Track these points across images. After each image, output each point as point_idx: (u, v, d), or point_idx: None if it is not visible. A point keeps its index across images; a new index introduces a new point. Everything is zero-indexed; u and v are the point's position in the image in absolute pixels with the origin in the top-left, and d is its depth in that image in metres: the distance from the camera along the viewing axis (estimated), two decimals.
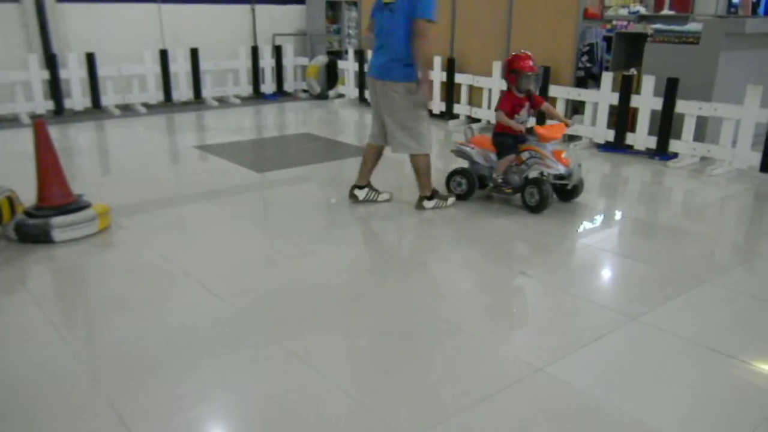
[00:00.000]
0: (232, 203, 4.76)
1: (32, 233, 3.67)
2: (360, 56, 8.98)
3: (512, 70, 4.40)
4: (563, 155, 4.41)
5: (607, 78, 6.27)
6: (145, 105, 8.68)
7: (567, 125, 4.45)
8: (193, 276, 3.38)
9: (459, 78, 7.67)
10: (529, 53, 4.43)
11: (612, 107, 6.27)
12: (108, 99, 8.35)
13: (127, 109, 8.51)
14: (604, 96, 6.31)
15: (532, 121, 5.12)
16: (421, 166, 4.39)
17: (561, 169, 4.37)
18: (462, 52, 7.78)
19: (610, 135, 6.35)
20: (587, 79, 6.86)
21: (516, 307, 3.21)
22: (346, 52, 9.48)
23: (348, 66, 9.31)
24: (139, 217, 4.30)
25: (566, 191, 4.65)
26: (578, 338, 2.78)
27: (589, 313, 3.04)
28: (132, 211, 4.37)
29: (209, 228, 4.19)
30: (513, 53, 4.51)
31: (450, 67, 7.72)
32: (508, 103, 4.43)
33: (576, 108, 6.86)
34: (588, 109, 6.53)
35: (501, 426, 2.20)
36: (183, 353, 2.63)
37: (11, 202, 3.63)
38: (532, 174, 4.49)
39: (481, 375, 2.51)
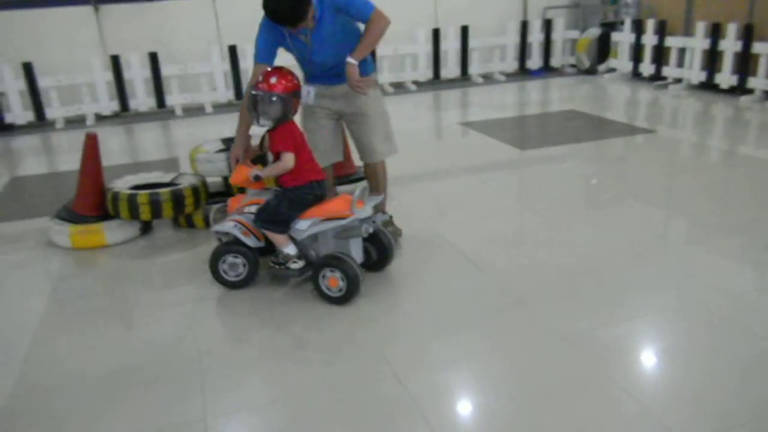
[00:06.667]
0: (493, 179, 4.85)
1: None
2: (638, 26, 8.35)
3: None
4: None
5: None
6: (416, 82, 9.19)
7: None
8: (456, 246, 3.55)
9: (758, 47, 6.69)
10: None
11: None
12: (383, 77, 9.00)
13: (398, 87, 9.10)
14: None
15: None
16: None
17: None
18: (765, 15, 6.75)
19: None
20: None
21: None
22: (622, 22, 8.87)
23: (623, 38, 8.73)
24: (408, 189, 4.62)
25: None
26: None
27: None
28: (402, 182, 4.71)
29: (471, 201, 4.34)
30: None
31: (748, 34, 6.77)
32: None
33: None
34: None
35: None
36: (445, 317, 2.81)
37: None
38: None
39: None
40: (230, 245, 3.10)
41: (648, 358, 2.50)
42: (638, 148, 5.68)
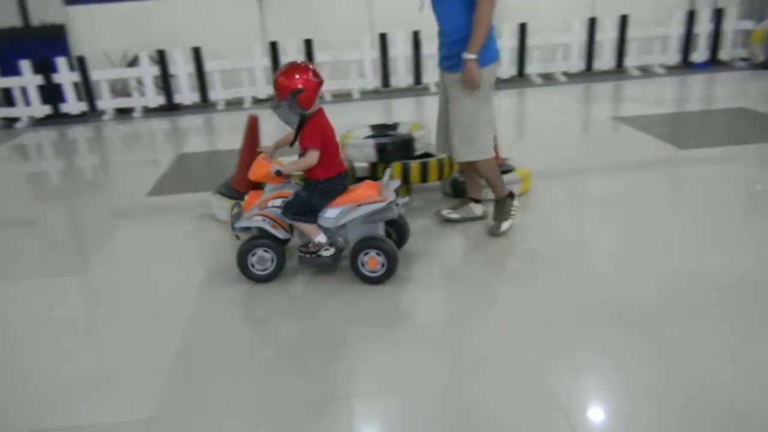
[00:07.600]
0: (645, 178, 4.58)
1: (463, 189, 4.14)
2: None
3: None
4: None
5: None
6: (566, 74, 8.86)
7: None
8: (602, 248, 3.40)
9: None
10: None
11: None
12: (532, 68, 8.78)
13: (547, 78, 8.83)
14: None
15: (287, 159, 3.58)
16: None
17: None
18: None
19: None
20: None
21: None
22: None
23: None
24: (553, 184, 4.47)
25: None
26: None
27: None
28: (547, 176, 4.56)
29: (619, 201, 4.12)
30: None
31: None
32: None
33: None
34: None
35: None
36: (587, 320, 2.71)
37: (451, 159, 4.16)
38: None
39: None
40: (256, 240, 3.16)
41: None
42: None
